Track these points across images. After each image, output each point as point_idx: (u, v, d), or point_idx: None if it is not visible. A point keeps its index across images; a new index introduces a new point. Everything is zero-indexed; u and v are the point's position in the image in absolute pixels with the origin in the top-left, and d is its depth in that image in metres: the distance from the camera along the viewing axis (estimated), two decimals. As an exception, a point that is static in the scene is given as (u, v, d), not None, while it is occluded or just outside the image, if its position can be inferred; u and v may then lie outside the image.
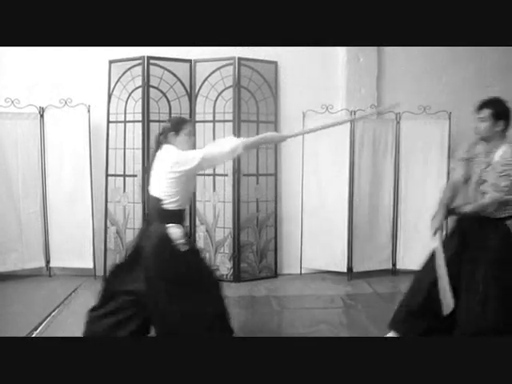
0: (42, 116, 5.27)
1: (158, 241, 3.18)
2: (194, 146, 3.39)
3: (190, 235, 3.28)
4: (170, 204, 3.18)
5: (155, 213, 3.24)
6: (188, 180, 3.22)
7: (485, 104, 3.30)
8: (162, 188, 3.17)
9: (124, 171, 5.27)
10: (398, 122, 5.46)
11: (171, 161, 3.14)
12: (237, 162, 5.21)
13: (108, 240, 5.35)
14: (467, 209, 3.27)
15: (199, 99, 5.29)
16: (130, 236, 5.22)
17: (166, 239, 3.16)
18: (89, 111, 5.20)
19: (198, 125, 5.22)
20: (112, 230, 5.33)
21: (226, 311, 3.38)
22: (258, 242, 5.40)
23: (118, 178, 5.31)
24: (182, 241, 3.18)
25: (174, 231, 3.18)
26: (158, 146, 3.33)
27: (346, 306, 4.60)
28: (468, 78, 5.72)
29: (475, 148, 3.41)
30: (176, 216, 3.23)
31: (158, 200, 3.18)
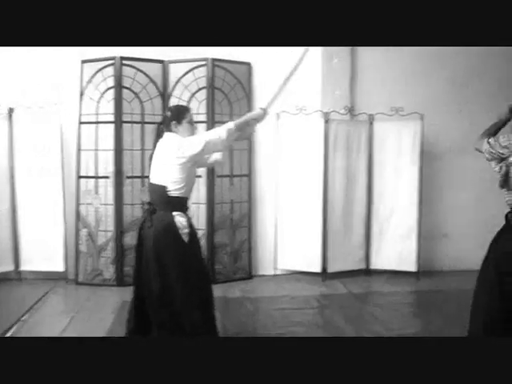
0: (10, 117, 5.17)
1: (163, 229, 3.14)
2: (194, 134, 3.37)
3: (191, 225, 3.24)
4: (175, 191, 3.14)
5: (160, 201, 3.19)
6: (192, 166, 3.21)
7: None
8: (168, 175, 3.14)
9: (96, 173, 5.20)
10: (371, 124, 5.50)
11: (176, 146, 3.11)
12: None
13: (80, 243, 5.25)
14: None
15: (172, 100, 5.24)
16: (101, 239, 5.17)
17: (171, 227, 3.13)
18: (60, 112, 5.12)
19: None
20: (84, 232, 5.23)
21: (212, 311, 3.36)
22: (232, 244, 5.38)
23: (89, 179, 5.22)
24: (187, 230, 3.16)
25: (180, 220, 3.15)
26: (159, 135, 3.31)
27: (320, 307, 4.60)
28: (440, 81, 5.78)
29: None
30: (181, 204, 3.20)
31: (163, 188, 3.13)
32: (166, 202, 3.16)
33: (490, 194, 5.86)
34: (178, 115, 3.27)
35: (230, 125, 3.20)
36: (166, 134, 3.26)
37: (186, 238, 3.15)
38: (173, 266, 3.13)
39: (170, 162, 3.13)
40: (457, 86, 5.76)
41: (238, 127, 3.25)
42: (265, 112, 3.46)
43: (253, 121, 3.42)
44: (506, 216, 3.12)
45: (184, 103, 5.20)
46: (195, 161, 3.21)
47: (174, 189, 3.13)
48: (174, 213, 3.15)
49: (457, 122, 5.76)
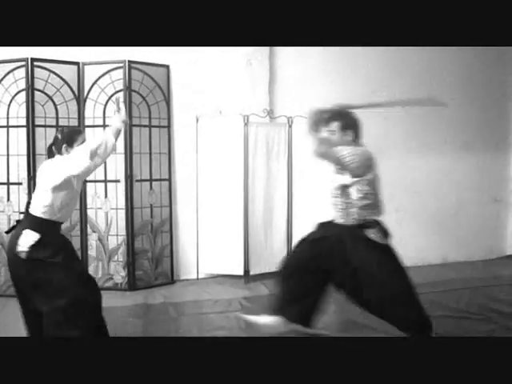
0: None
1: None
2: None
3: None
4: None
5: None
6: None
7: (332, 117, 3.35)
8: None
9: (8, 179, 4.98)
10: (290, 126, 5.56)
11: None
12: (129, 168, 5.08)
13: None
14: None
15: (88, 103, 5.11)
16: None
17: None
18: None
19: (87, 130, 5.01)
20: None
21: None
22: (153, 249, 5.29)
23: (0, 186, 5.00)
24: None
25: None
26: (50, 157, 3.26)
27: (243, 309, 4.59)
28: (356, 83, 5.91)
29: None
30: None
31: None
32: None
33: (402, 192, 6.13)
34: (69, 138, 3.20)
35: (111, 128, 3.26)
36: (56, 157, 3.21)
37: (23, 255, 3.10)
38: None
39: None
40: (370, 88, 5.88)
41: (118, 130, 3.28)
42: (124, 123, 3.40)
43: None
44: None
45: (101, 106, 5.09)
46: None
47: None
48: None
49: (370, 124, 5.86)
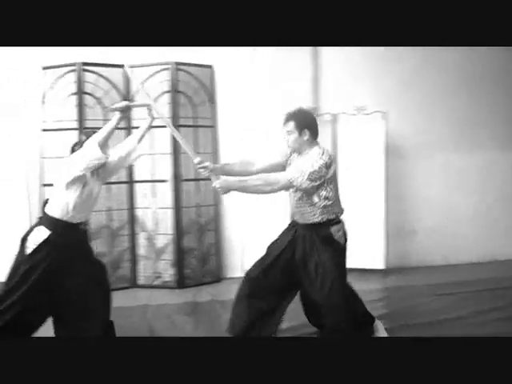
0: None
1: None
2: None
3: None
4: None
5: None
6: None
7: (289, 117, 3.33)
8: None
9: (60, 180, 5.13)
10: (335, 123, 5.53)
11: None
12: (176, 168, 5.17)
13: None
14: None
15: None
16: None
17: None
18: (21, 119, 5.07)
19: (135, 131, 5.09)
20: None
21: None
22: (200, 247, 5.36)
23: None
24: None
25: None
26: None
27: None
28: (401, 78, 5.84)
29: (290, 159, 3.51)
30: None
31: None
32: None
33: (454, 190, 6.01)
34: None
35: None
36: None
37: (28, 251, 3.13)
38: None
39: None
40: (416, 83, 5.86)
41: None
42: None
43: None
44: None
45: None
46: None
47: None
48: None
49: (417, 119, 5.87)
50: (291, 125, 3.31)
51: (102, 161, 3.10)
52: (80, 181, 3.11)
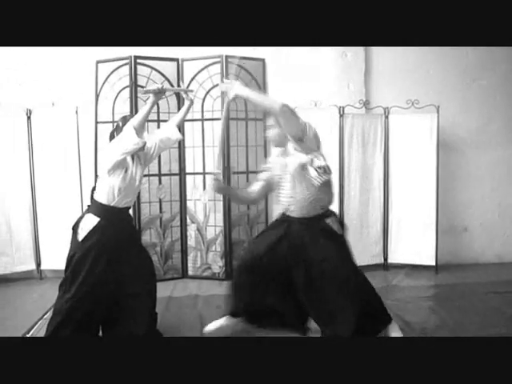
0: (29, 118, 5.24)
1: None
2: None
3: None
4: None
5: None
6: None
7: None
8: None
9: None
10: (387, 117, 5.47)
11: None
12: (226, 160, 5.20)
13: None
14: None
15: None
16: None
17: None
18: (76, 112, 5.18)
19: (186, 123, 5.17)
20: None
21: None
22: (249, 240, 5.39)
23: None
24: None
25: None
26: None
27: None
28: (454, 73, 5.76)
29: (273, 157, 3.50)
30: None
31: None
32: None
33: (506, 185, 5.86)
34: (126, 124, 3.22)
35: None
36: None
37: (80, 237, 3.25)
38: None
39: None
40: (467, 80, 5.78)
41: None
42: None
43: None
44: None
45: (199, 100, 5.24)
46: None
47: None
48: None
49: (470, 114, 5.75)
50: (272, 119, 3.29)
51: (140, 145, 3.14)
52: (121, 166, 3.19)
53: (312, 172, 3.16)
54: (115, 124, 3.44)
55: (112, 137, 3.35)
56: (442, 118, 5.36)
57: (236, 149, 5.29)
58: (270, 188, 3.53)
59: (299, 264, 3.31)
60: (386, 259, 5.56)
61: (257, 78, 5.39)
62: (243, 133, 5.32)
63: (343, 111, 5.33)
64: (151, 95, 3.22)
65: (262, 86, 5.43)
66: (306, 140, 3.16)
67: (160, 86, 3.28)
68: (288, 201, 3.36)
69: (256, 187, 3.58)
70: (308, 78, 5.50)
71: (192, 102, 3.64)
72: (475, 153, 5.79)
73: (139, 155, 3.35)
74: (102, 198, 3.23)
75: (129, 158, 3.24)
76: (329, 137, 5.30)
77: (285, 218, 3.42)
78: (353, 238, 5.26)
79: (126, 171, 3.22)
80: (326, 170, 3.18)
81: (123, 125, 3.23)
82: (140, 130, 3.12)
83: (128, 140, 3.09)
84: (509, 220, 5.86)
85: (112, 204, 3.23)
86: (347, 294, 3.22)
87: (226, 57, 5.17)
